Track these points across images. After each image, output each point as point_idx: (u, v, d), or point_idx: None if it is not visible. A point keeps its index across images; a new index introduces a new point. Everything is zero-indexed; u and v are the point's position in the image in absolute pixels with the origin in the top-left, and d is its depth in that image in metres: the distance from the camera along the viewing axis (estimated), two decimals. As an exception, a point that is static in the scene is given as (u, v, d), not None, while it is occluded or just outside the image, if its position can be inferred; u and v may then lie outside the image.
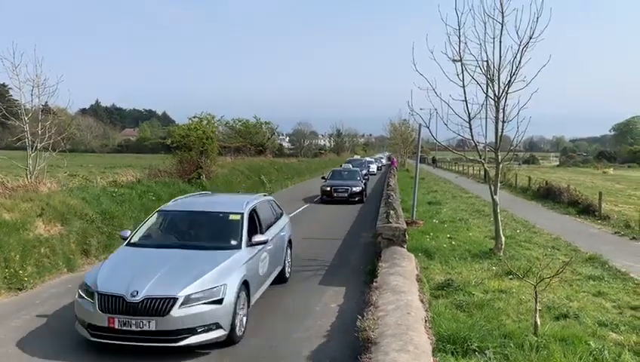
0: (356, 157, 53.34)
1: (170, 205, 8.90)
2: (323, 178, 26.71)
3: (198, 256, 7.13)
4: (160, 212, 8.62)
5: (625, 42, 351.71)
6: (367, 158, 56.80)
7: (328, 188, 23.99)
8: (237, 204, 8.54)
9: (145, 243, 7.78)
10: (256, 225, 8.39)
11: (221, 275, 6.59)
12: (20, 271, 9.17)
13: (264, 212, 9.17)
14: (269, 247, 8.36)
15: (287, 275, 9.90)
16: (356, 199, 23.81)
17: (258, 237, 7.82)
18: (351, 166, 31.78)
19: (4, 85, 64.99)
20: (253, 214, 8.48)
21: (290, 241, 10.34)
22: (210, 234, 8.02)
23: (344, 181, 24.97)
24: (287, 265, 9.88)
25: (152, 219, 8.43)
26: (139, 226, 8.33)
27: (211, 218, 8.30)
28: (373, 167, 50.34)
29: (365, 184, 26.81)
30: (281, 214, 10.37)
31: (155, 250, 7.45)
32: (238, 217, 8.03)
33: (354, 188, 23.92)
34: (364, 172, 31.75)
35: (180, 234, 8.15)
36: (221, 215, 8.28)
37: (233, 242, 7.61)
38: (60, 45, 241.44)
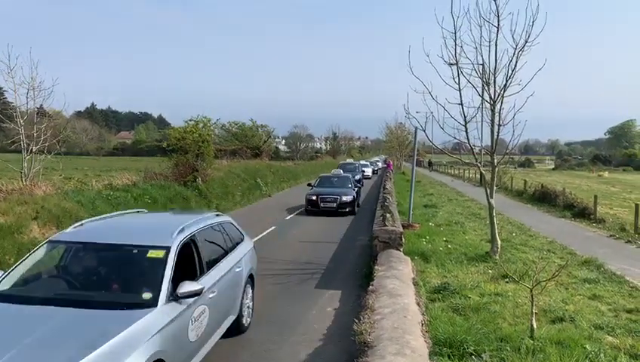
0: (349, 160, 46.95)
1: (68, 232, 6.04)
2: (309, 185, 23.24)
3: (86, 319, 4.58)
4: (50, 243, 5.91)
5: (621, 45, 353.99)
6: (362, 161, 54.14)
7: (314, 197, 20.56)
8: (164, 232, 5.78)
9: (13, 294, 5.16)
10: (194, 263, 5.95)
11: (114, 357, 4.09)
12: (15, 275, 9.12)
13: (211, 241, 6.66)
14: (210, 296, 5.86)
15: (246, 324, 7.36)
16: (347, 210, 20.42)
17: (187, 287, 5.14)
18: (342, 171, 27.82)
19: (-1, 88, 65.19)
20: (191, 246, 5.96)
21: (252, 278, 7.86)
22: (114, 280, 5.45)
23: (333, 189, 21.71)
24: (245, 311, 7.36)
25: (38, 253, 5.76)
26: (16, 264, 5.73)
27: (121, 254, 5.63)
28: (369, 171, 48.00)
29: (358, 191, 23.43)
30: (240, 241, 7.82)
31: (24, 308, 4.80)
32: (160, 254, 5.40)
33: (344, 198, 20.49)
34: (357, 177, 29.76)
35: (73, 279, 5.54)
36: (135, 250, 5.56)
37: (145, 296, 4.99)
38: (55, 48, 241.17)
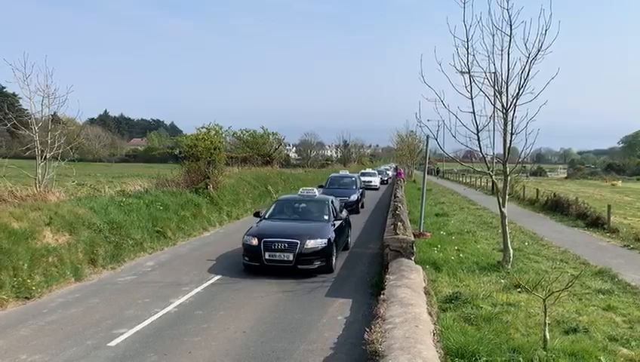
0: (343, 172, 31.93)
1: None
2: (257, 214, 14.00)
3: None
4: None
5: (636, 54, 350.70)
6: (369, 170, 49.98)
7: (254, 242, 11.49)
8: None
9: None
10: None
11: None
12: (28, 280, 9.21)
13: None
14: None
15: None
16: (314, 266, 11.45)
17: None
18: (316, 193, 14.89)
19: (14, 95, 66.01)
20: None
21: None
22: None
23: (288, 227, 12.37)
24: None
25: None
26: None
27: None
28: (376, 181, 44.22)
29: (342, 228, 13.57)
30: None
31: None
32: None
33: (307, 244, 11.40)
34: (353, 197, 23.79)
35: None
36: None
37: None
38: (69, 56, 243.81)
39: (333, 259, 11.88)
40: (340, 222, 13.33)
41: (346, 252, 14.08)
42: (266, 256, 11.20)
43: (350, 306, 9.07)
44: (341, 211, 14.45)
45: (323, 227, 12.30)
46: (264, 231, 11.78)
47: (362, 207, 23.39)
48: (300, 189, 15.05)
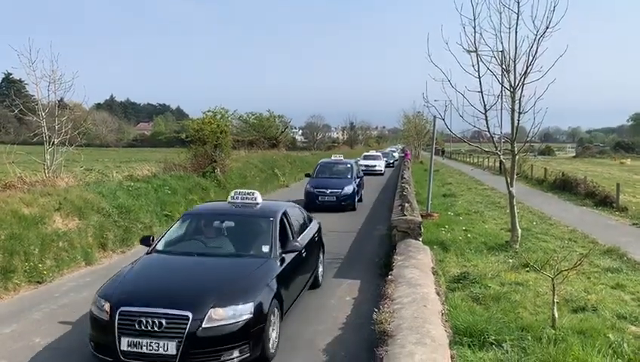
0: (336, 157, 24.15)
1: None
2: (144, 241, 7.67)
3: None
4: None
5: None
6: (372, 152, 45.13)
7: (104, 314, 5.68)
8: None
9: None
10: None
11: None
12: (40, 265, 9.32)
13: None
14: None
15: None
16: None
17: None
18: (258, 199, 8.13)
19: (20, 81, 66.24)
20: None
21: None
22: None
23: (180, 275, 6.49)
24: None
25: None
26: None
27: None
28: (381, 165, 39.13)
29: (299, 264, 7.60)
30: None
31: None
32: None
33: (209, 316, 5.46)
34: (347, 189, 18.39)
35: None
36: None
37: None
38: (75, 41, 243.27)
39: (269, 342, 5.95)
40: (291, 255, 7.20)
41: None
42: (124, 347, 5.41)
43: (359, 287, 9.12)
44: (308, 222, 9.07)
45: (252, 274, 6.31)
46: (127, 290, 5.97)
47: (361, 200, 19.84)
48: (233, 192, 8.25)
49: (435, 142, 18.99)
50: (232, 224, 7.67)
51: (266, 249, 6.98)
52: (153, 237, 7.69)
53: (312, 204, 17.66)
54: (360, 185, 20.68)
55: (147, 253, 7.14)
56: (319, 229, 9.54)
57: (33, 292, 8.80)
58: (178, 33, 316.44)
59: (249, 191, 8.24)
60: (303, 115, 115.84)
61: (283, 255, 7.01)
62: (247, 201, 8.00)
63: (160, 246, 7.20)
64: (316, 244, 8.99)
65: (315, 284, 8.83)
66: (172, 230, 7.63)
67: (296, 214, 8.66)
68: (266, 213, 7.72)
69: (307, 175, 21.59)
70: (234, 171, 22.81)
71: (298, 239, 7.75)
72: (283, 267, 6.83)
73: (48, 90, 14.60)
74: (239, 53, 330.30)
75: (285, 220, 7.73)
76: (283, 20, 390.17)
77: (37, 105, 14.66)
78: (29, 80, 14.68)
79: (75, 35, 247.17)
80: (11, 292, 8.59)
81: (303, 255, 7.78)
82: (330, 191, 17.97)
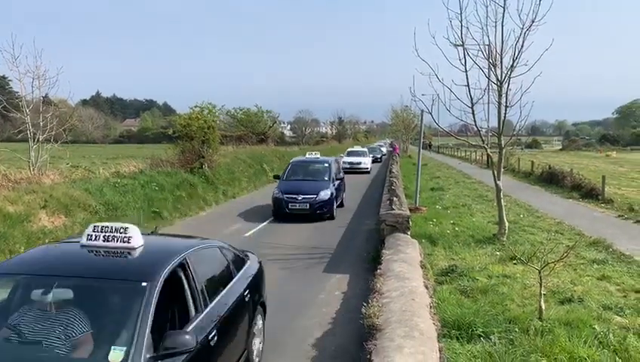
0: (312, 155, 20.09)
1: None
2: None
3: None
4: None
5: (632, 24, 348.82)
6: (357, 148, 41.10)
7: None
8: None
9: None
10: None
11: None
12: (25, 263, 9.22)
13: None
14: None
15: None
16: None
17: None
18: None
19: (4, 77, 65.24)
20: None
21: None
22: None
23: None
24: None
25: None
26: None
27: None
28: (366, 162, 35.45)
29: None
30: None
31: None
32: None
33: None
34: (323, 195, 15.40)
35: None
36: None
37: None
38: (59, 36, 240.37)
39: None
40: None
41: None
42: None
43: (347, 281, 9.14)
44: (236, 269, 5.61)
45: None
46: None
47: (342, 205, 17.50)
48: (91, 227, 4.61)
49: (422, 136, 19.05)
50: (67, 294, 3.86)
51: (117, 354, 3.40)
52: None
53: (280, 212, 15.17)
54: (340, 188, 17.53)
55: None
56: (256, 276, 6.05)
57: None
58: (165, 28, 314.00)
59: (120, 225, 4.60)
60: (292, 109, 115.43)
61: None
62: (114, 245, 4.44)
63: None
64: (246, 308, 5.44)
65: None
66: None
67: (210, 260, 5.20)
68: (134, 272, 4.22)
69: (276, 177, 18.08)
70: (222, 167, 22.72)
71: (199, 320, 4.25)
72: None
73: (32, 86, 14.48)
74: (229, 47, 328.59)
75: (179, 282, 4.31)
76: (275, 16, 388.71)
77: (21, 101, 14.50)
78: (12, 76, 14.54)
79: (60, 30, 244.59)
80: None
81: (212, 344, 4.29)
82: (302, 197, 15.09)
